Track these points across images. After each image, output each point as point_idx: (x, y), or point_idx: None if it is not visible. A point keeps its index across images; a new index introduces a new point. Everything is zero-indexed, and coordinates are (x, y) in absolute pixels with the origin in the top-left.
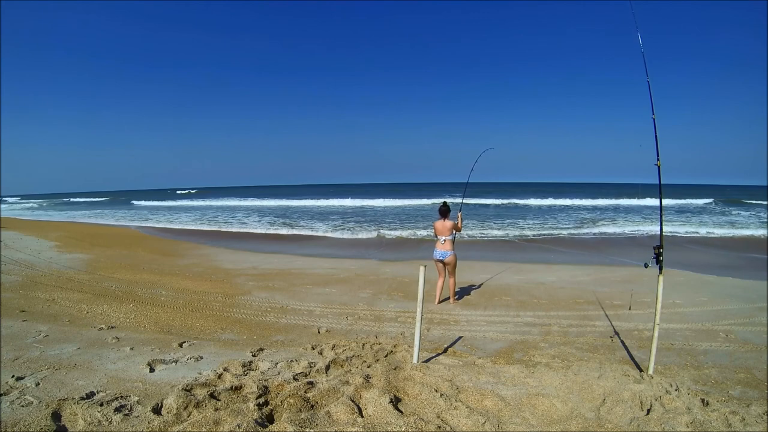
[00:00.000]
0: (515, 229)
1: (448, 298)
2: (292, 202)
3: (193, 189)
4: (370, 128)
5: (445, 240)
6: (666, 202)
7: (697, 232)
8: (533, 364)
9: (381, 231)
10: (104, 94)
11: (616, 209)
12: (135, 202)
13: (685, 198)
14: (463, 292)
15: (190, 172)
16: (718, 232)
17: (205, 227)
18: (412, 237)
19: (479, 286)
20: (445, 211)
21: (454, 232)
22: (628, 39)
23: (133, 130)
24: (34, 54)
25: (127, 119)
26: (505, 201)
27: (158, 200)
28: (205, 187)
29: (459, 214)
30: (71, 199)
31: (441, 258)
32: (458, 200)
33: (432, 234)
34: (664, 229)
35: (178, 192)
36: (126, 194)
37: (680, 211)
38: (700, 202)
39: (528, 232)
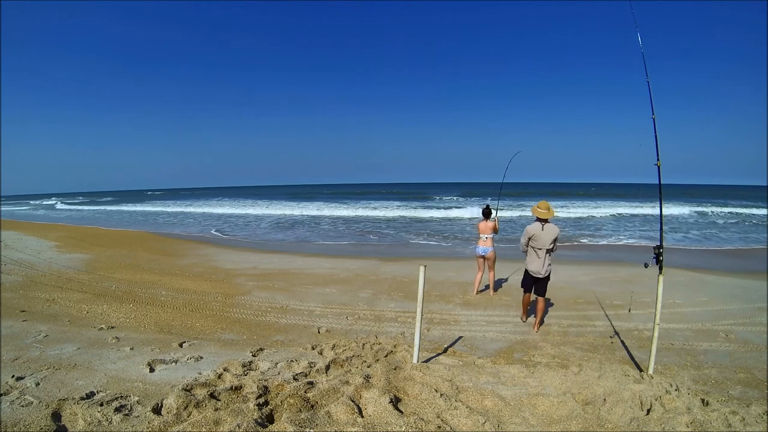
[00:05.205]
0: (516, 230)
1: (485, 289)
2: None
3: (158, 191)
4: (370, 128)
5: (486, 238)
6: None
7: None
8: (533, 364)
9: None
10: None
11: (619, 212)
12: (59, 206)
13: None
14: (464, 292)
15: (188, 171)
16: None
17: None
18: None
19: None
20: (487, 213)
21: (494, 231)
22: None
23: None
24: None
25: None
26: (506, 202)
27: (101, 205)
28: (201, 187)
29: (496, 218)
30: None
31: (483, 253)
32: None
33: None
34: None
35: (148, 193)
36: (87, 195)
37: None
38: None
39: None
